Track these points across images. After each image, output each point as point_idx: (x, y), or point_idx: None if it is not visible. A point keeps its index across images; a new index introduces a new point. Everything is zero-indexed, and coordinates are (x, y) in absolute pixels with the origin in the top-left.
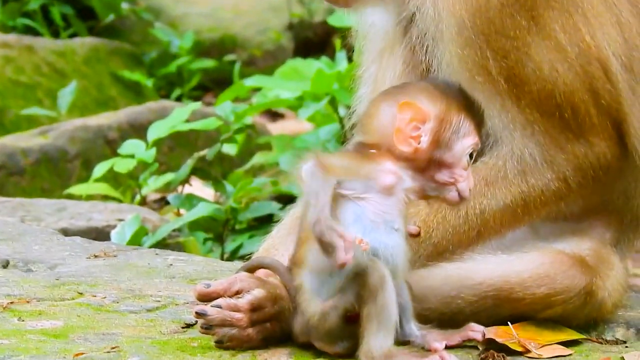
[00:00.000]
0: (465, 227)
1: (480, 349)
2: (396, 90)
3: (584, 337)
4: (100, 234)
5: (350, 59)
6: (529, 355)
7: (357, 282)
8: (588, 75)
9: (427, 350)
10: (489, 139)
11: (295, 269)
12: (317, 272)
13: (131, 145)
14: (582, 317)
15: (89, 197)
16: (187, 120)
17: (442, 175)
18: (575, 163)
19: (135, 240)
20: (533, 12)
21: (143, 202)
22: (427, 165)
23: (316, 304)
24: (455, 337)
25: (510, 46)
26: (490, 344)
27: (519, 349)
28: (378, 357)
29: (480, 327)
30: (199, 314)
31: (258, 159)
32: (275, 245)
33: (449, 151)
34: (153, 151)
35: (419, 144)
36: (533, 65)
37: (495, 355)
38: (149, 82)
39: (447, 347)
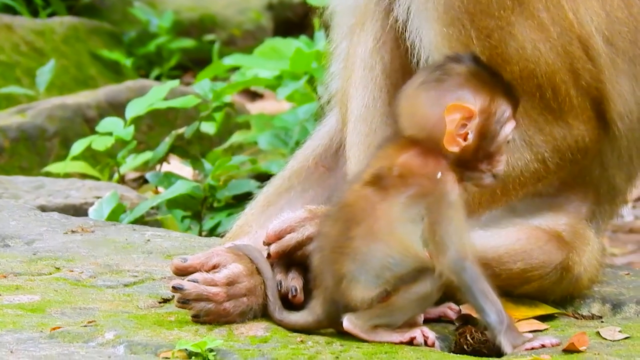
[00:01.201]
0: None
1: (457, 324)
2: (436, 85)
3: (560, 312)
4: (78, 212)
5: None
6: None
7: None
8: (569, 55)
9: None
10: None
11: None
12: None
13: (109, 123)
14: (558, 292)
15: (67, 175)
16: (166, 99)
17: (483, 165)
18: (554, 145)
19: (113, 218)
20: None
21: (121, 180)
22: (471, 158)
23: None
24: (434, 311)
25: (494, 25)
26: (467, 320)
27: None
28: (360, 327)
29: (457, 307)
30: (175, 289)
31: (237, 137)
32: (249, 223)
33: (493, 142)
34: (131, 129)
35: (465, 141)
36: (516, 44)
37: (473, 330)
38: (128, 62)
39: (424, 321)
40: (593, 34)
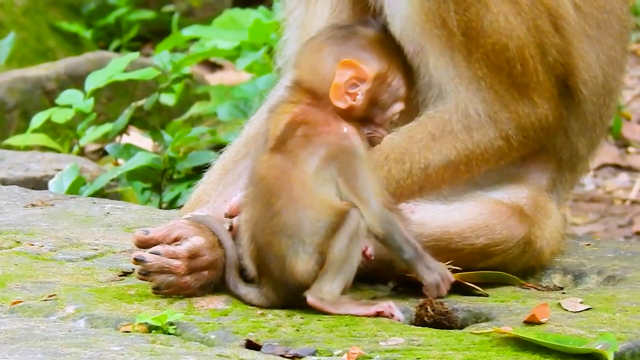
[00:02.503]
0: (409, 181)
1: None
2: (341, 40)
3: (521, 282)
4: (39, 184)
5: None
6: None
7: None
8: (538, 29)
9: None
10: (431, 90)
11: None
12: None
13: (69, 96)
14: (520, 266)
15: (28, 148)
16: (125, 71)
17: (366, 129)
18: (518, 122)
19: (73, 190)
20: None
21: (81, 152)
22: (358, 120)
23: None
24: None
25: None
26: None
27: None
28: (326, 301)
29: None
30: (137, 260)
31: (196, 109)
32: (207, 192)
33: (380, 113)
34: (91, 101)
35: (354, 101)
36: (490, 17)
37: (433, 302)
38: (87, 34)
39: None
40: (563, 2)
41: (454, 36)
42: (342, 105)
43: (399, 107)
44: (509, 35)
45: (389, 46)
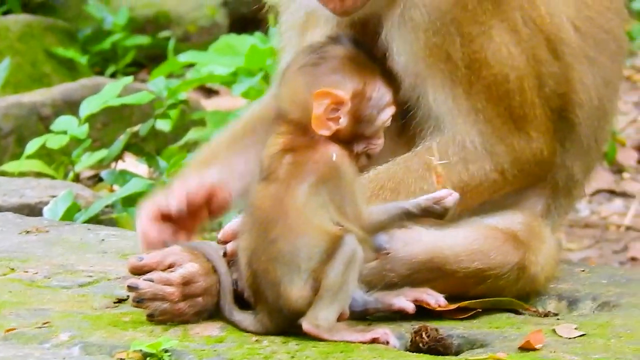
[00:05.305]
0: None
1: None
2: (312, 69)
3: (519, 303)
4: (33, 211)
5: None
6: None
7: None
8: (536, 58)
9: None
10: (429, 121)
11: None
12: None
13: (64, 122)
14: (514, 291)
15: (22, 174)
16: (120, 96)
17: (359, 147)
18: (514, 156)
19: (68, 217)
20: None
21: (76, 178)
22: (349, 139)
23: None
24: (411, 293)
25: (478, 31)
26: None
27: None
28: (322, 327)
29: (436, 294)
30: (131, 287)
31: (192, 134)
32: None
33: (370, 126)
34: (85, 127)
35: (338, 125)
36: (494, 47)
37: (429, 328)
38: (83, 59)
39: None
40: (564, 25)
41: (458, 69)
42: (326, 132)
43: (387, 113)
44: (510, 65)
45: (362, 60)
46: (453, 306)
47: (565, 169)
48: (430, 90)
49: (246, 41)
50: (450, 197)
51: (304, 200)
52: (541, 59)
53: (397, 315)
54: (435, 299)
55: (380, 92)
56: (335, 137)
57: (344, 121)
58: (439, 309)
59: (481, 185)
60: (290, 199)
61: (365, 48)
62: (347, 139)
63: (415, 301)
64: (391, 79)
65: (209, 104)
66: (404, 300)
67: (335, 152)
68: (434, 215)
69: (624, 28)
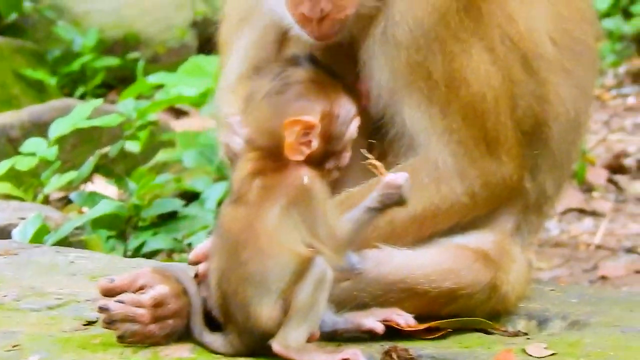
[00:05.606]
0: (374, 234)
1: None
2: (277, 98)
3: (489, 324)
4: (2, 233)
5: None
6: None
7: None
8: (511, 78)
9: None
10: (402, 140)
11: None
12: None
13: (33, 144)
14: (486, 310)
15: None
16: (90, 118)
17: (330, 164)
18: (484, 179)
19: (37, 239)
20: (474, 12)
21: (46, 200)
22: (321, 159)
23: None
24: (380, 313)
25: (459, 49)
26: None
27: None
28: (292, 348)
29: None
30: (101, 309)
31: (161, 156)
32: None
33: (339, 142)
34: (55, 149)
35: (310, 148)
36: (473, 66)
37: (398, 349)
38: (52, 81)
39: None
40: (541, 39)
41: (437, 87)
42: (300, 157)
43: (354, 125)
44: (487, 84)
45: (325, 79)
46: (423, 326)
47: (537, 186)
48: (406, 109)
49: (215, 62)
50: (398, 176)
51: (275, 223)
52: (515, 78)
53: (366, 336)
54: (404, 319)
55: (346, 108)
56: (307, 159)
57: (315, 144)
58: (408, 329)
59: (452, 208)
60: (260, 221)
61: (324, 66)
62: (318, 160)
63: (384, 321)
64: (354, 91)
65: (179, 125)
66: (373, 320)
67: (306, 175)
68: (394, 201)
69: (597, 37)
